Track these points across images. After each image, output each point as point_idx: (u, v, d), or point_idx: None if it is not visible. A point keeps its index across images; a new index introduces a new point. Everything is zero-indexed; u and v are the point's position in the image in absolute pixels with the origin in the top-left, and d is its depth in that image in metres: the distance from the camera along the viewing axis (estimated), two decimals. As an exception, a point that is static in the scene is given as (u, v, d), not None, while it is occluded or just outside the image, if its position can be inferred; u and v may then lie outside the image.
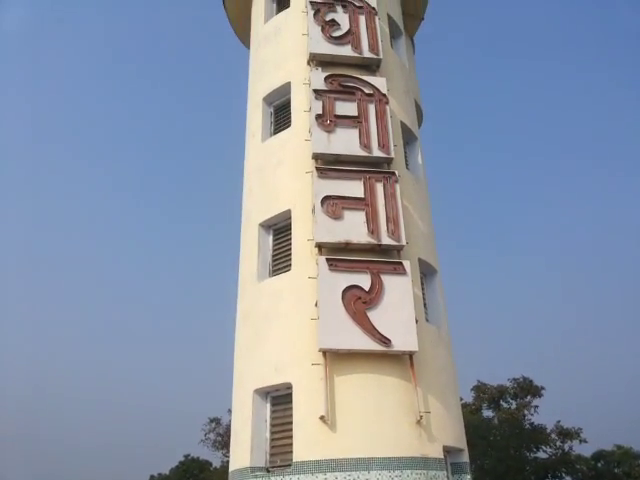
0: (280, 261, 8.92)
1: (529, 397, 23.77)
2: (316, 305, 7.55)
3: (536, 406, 23.56)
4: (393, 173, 8.80)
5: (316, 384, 7.17)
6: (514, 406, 23.96)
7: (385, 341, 7.30)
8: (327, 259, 7.79)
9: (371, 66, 10.02)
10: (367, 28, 10.20)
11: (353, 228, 8.15)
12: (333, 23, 10.14)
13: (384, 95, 9.50)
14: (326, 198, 8.29)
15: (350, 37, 10.01)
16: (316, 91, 9.27)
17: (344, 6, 10.45)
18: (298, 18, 10.64)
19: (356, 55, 9.87)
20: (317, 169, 8.57)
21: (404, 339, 7.44)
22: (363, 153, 8.86)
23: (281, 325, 8.08)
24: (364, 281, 7.73)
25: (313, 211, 8.26)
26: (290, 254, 8.58)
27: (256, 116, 10.71)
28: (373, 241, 8.09)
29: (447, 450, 7.82)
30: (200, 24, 61.80)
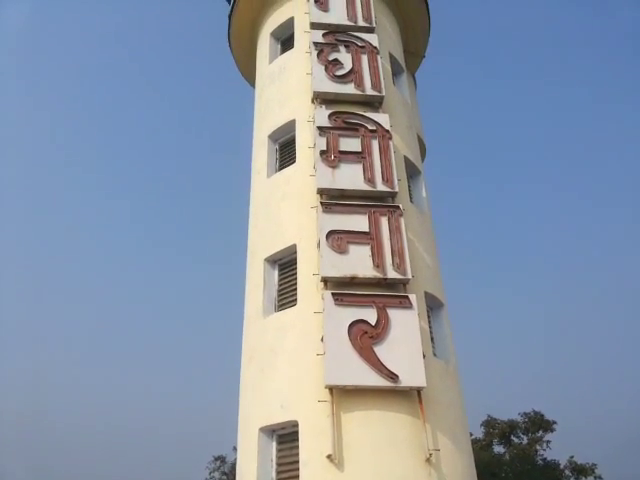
0: (286, 296, 8.92)
1: (541, 432, 23.24)
2: (322, 340, 7.51)
3: (548, 441, 22.97)
4: (397, 207, 8.88)
5: (323, 422, 7.07)
6: (525, 441, 23.39)
7: (392, 377, 7.22)
8: (333, 293, 7.79)
9: (374, 103, 10.23)
10: (369, 67, 10.47)
11: (358, 262, 8.17)
12: (336, 62, 10.42)
13: (387, 131, 9.68)
14: (331, 232, 8.35)
15: (353, 76, 10.27)
16: (320, 128, 9.45)
17: (347, 46, 10.76)
18: (302, 58, 10.95)
19: (359, 93, 10.10)
20: (322, 204, 8.67)
21: (412, 374, 7.35)
22: (367, 187, 8.97)
23: (287, 361, 8.02)
24: (370, 315, 7.70)
25: (318, 245, 8.30)
26: (296, 289, 8.59)
27: (262, 153, 10.90)
28: (379, 275, 8.10)
29: (458, 489, 7.62)
30: (206, 64, 63.39)
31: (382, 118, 9.86)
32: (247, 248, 10.37)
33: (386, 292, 8.05)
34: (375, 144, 9.48)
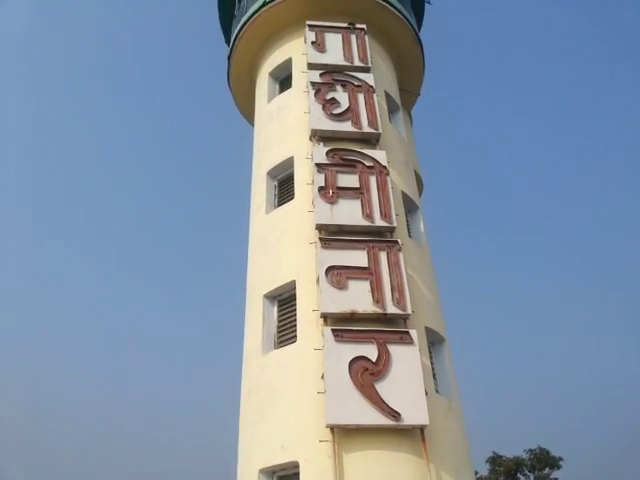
0: (285, 332, 8.85)
1: (547, 469, 22.70)
2: (322, 378, 7.41)
3: (556, 478, 22.45)
4: (396, 242, 8.92)
5: (324, 462, 6.90)
6: (532, 479, 22.83)
7: (395, 415, 7.09)
8: (333, 330, 7.73)
9: (371, 140, 10.41)
10: (366, 105, 10.69)
11: (358, 298, 8.14)
12: (333, 101, 10.65)
13: (384, 167, 9.81)
14: (330, 268, 8.35)
15: (350, 114, 10.48)
16: (318, 165, 9.59)
17: (343, 85, 11.02)
18: (300, 97, 11.19)
19: (356, 130, 10.28)
20: (320, 239, 8.70)
21: (414, 412, 7.22)
22: (366, 223, 9.02)
23: (287, 399, 7.89)
24: (371, 351, 7.62)
25: (317, 281, 8.30)
26: (295, 325, 8.53)
27: (261, 189, 11.02)
28: (378, 310, 8.06)
29: (464, 532, 7.40)
30: (204, 103, 64.59)
31: (379, 155, 10.01)
32: (246, 284, 10.35)
33: (386, 328, 7.99)
34: (373, 180, 9.60)
